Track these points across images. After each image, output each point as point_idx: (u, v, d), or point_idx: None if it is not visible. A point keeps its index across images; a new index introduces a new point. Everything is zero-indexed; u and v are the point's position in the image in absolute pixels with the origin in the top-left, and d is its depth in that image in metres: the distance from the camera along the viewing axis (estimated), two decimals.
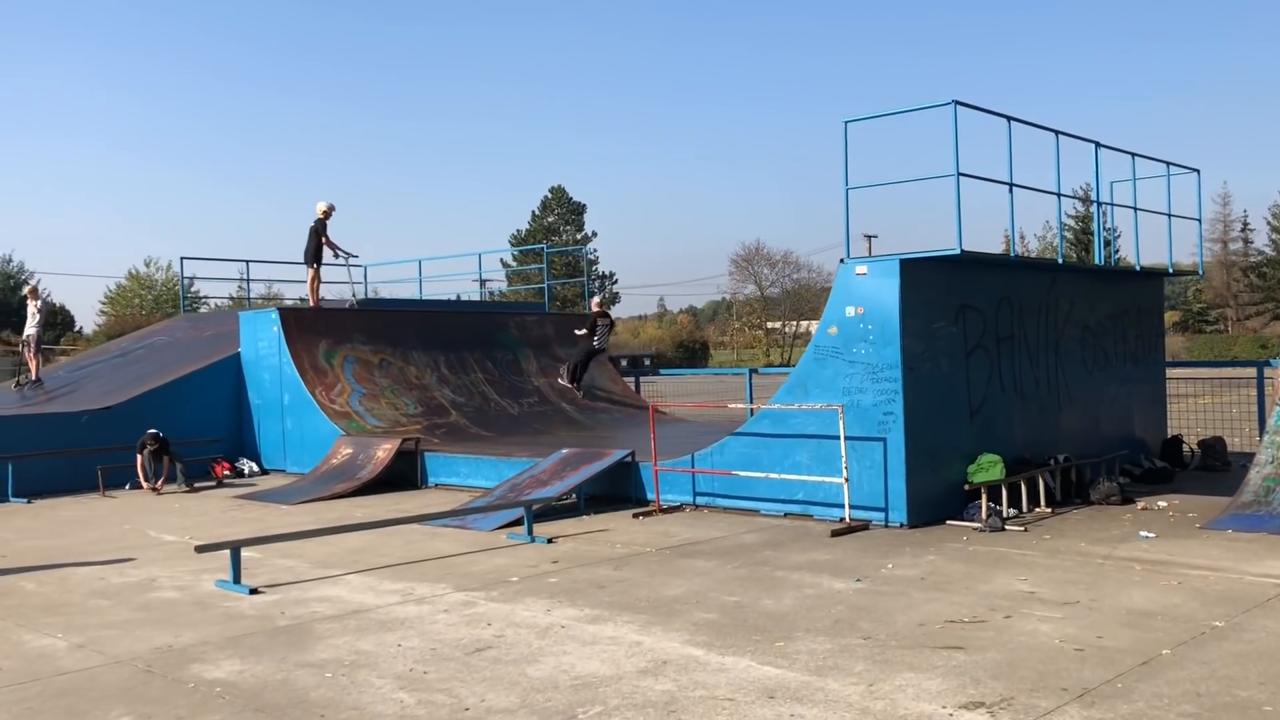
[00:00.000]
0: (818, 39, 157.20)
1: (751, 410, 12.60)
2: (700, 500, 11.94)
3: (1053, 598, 7.42)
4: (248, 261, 23.96)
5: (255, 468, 17.05)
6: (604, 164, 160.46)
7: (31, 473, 14.82)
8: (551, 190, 78.02)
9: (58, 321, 73.20)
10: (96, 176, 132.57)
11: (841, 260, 10.83)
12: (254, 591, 8.28)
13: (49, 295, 73.69)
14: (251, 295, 27.40)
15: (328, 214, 18.30)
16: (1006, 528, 10.22)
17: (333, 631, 7.00)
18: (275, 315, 17.18)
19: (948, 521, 10.60)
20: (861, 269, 10.66)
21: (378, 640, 6.74)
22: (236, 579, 8.44)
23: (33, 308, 18.80)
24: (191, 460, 15.88)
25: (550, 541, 10.11)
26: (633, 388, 22.58)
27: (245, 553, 9.62)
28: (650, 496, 12.08)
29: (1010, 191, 11.05)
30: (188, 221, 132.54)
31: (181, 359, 18.54)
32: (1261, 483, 10.40)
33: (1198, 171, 14.38)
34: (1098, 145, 12.57)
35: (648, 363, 63.53)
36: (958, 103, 10.16)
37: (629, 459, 12.47)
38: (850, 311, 10.71)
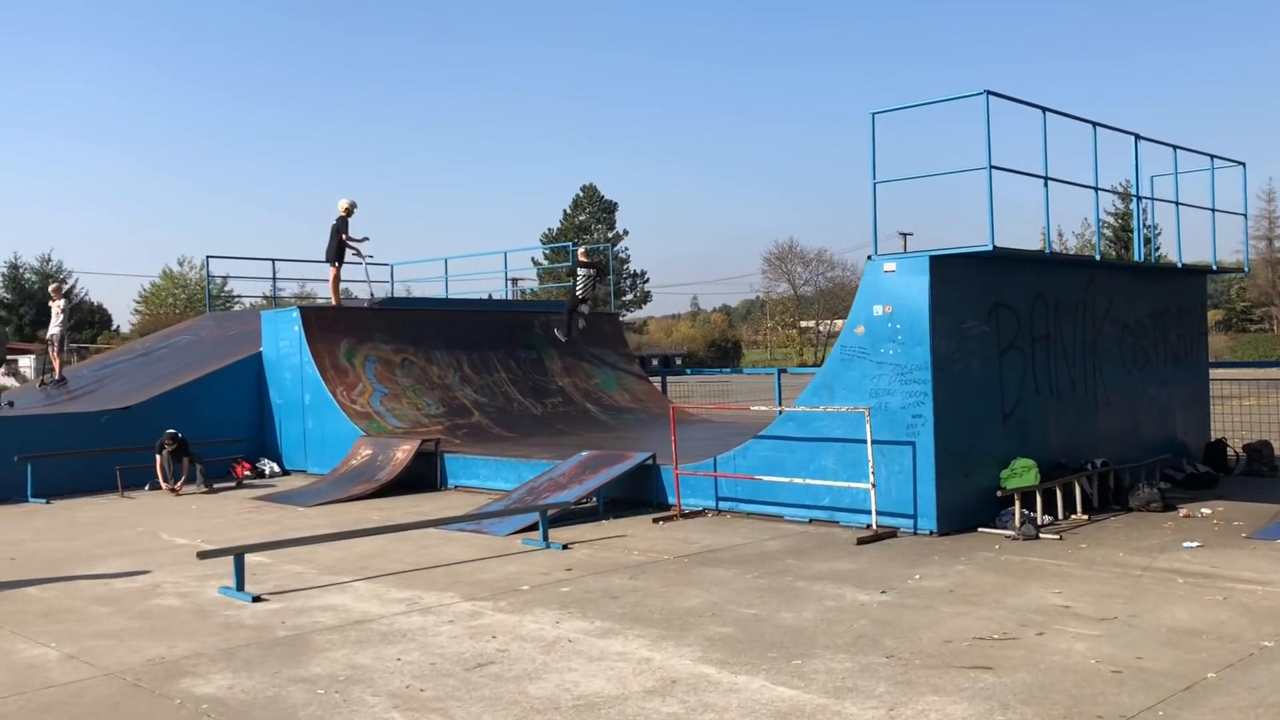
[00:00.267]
0: (851, 41, 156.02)
1: (779, 411, 12.24)
2: (723, 505, 11.59)
3: (1088, 613, 7.02)
4: (274, 260, 23.86)
5: (276, 468, 16.88)
6: (636, 162, 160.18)
7: (51, 473, 14.72)
8: (583, 189, 77.84)
9: (95, 320, 74.08)
10: (132, 176, 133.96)
11: (869, 257, 10.45)
12: (257, 599, 8.04)
13: (86, 294, 74.59)
14: (285, 294, 27.31)
15: (349, 212, 18.11)
16: (1041, 536, 9.80)
17: (332, 644, 6.73)
18: (296, 314, 17.01)
19: (979, 529, 10.19)
20: (890, 266, 10.27)
21: (376, 654, 6.46)
22: (240, 586, 8.19)
23: (57, 307, 18.77)
24: (212, 461, 15.73)
25: (565, 548, 9.81)
26: (660, 388, 22.27)
27: (254, 557, 9.44)
28: (672, 500, 11.75)
29: (1045, 185, 10.62)
30: (225, 221, 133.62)
31: (204, 358, 18.42)
32: None
33: (1243, 165, 13.86)
34: (1137, 138, 12.09)
35: (679, 362, 63.22)
36: (990, 93, 9.75)
37: (650, 462, 12.15)
38: (878, 310, 10.33)
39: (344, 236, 18.07)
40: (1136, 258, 13.36)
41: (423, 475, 14.59)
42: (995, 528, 10.17)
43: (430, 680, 5.89)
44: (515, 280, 34.59)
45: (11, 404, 17.86)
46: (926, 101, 10.40)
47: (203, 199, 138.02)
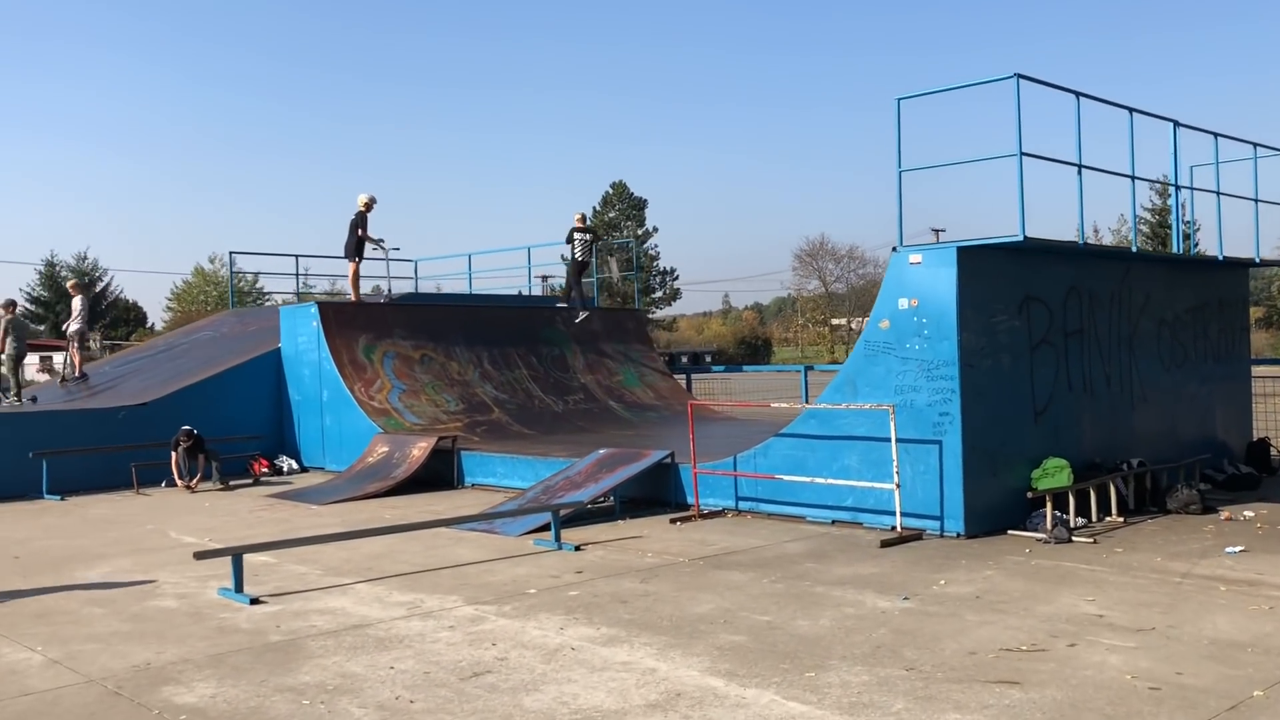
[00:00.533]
0: (879, 35, 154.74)
1: (804, 408, 11.85)
2: (743, 505, 11.23)
3: (1124, 623, 6.61)
4: (297, 256, 23.74)
5: (295, 465, 16.69)
6: (666, 159, 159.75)
7: (67, 469, 14.59)
8: (612, 186, 77.48)
9: (130, 318, 74.70)
10: (164, 177, 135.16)
11: (894, 248, 10.05)
12: (255, 601, 7.78)
13: (121, 292, 75.21)
14: (315, 290, 27.17)
15: (369, 206, 17.90)
16: (1074, 539, 9.38)
17: (325, 650, 6.45)
18: (314, 310, 16.81)
19: (1009, 532, 9.77)
20: (915, 258, 9.88)
21: (370, 661, 6.17)
22: (238, 587, 7.94)
23: (76, 303, 18.68)
24: (229, 458, 15.56)
25: (578, 549, 9.49)
26: (684, 385, 21.94)
27: (259, 557, 9.22)
28: (691, 500, 11.41)
29: (1079, 173, 10.17)
30: (261, 219, 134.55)
31: (224, 354, 18.27)
32: None
33: None
34: (1176, 124, 11.61)
35: (708, 359, 62.78)
36: (1020, 76, 9.33)
37: (668, 460, 11.81)
38: (903, 304, 9.93)
39: (360, 232, 17.87)
40: (1175, 250, 12.85)
41: (440, 473, 14.34)
42: (1026, 530, 9.75)
43: (421, 691, 5.59)
44: (545, 277, 34.31)
45: (35, 399, 17.79)
46: (954, 86, 10.00)
47: (235, 198, 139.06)
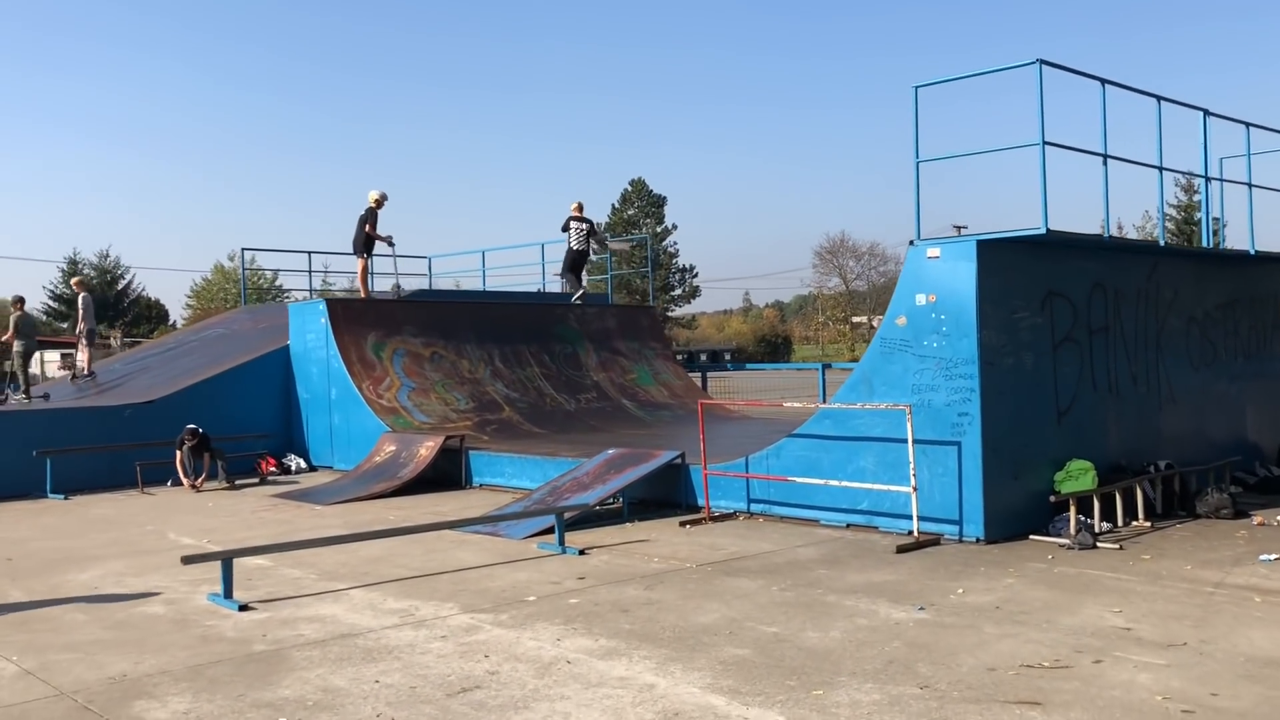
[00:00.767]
0: (902, 34, 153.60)
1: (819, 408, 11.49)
2: (755, 507, 10.89)
3: (1153, 637, 6.24)
4: (310, 253, 23.52)
5: (303, 464, 16.46)
6: (686, 156, 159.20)
7: (72, 468, 14.40)
8: (631, 183, 77.08)
9: (152, 315, 74.95)
10: (187, 175, 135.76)
11: (911, 242, 9.68)
12: (244, 608, 7.50)
13: (143, 289, 75.45)
14: (335, 288, 26.98)
15: (379, 203, 17.65)
16: (1098, 545, 8.99)
17: (310, 661, 6.16)
18: (323, 307, 16.57)
19: (1030, 537, 9.40)
20: (934, 251, 9.50)
21: (355, 674, 5.87)
22: (228, 593, 7.67)
23: (80, 301, 18.49)
24: (236, 456, 15.35)
25: (582, 553, 9.18)
26: (700, 383, 21.60)
27: (255, 561, 8.96)
28: (701, 502, 11.07)
29: (1104, 164, 9.77)
30: (282, 217, 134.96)
31: (234, 352, 18.06)
32: None
33: None
34: (1206, 114, 11.19)
35: (728, 358, 62.41)
36: (1043, 62, 8.95)
37: (678, 461, 11.47)
38: (921, 299, 9.57)
39: (369, 228, 17.62)
40: (1204, 244, 12.41)
41: (448, 473, 14.07)
42: (1048, 535, 9.37)
43: (405, 709, 5.28)
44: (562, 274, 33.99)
45: (46, 396, 17.63)
46: (973, 73, 9.62)
47: (258, 196, 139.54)
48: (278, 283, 54.17)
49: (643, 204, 76.11)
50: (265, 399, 16.92)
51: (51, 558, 9.70)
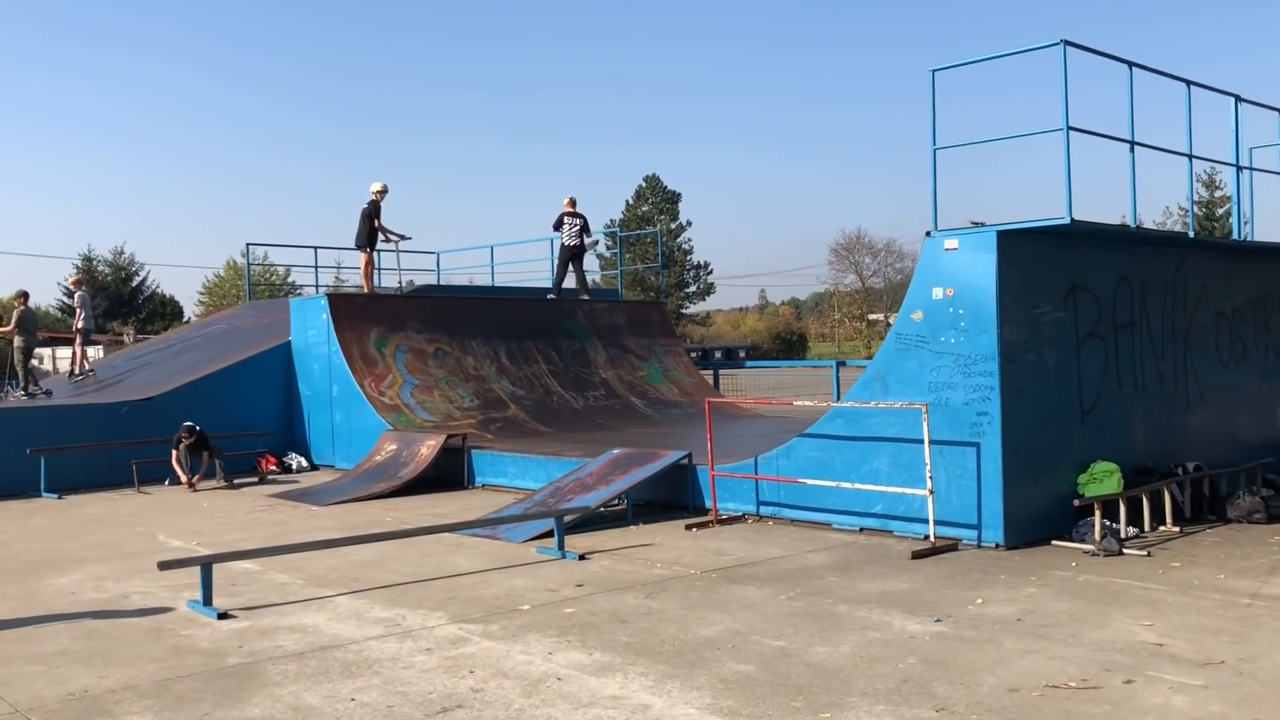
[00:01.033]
0: (919, 27, 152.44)
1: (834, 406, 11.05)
2: (764, 510, 10.47)
3: (1188, 653, 5.80)
4: (316, 248, 23.19)
5: (304, 463, 16.12)
6: (700, 152, 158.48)
7: (67, 466, 14.09)
8: (645, 179, 76.58)
9: (167, 312, 74.96)
10: (199, 173, 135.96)
11: (928, 233, 9.25)
12: (223, 616, 7.13)
13: (158, 286, 75.48)
14: (349, 285, 26.68)
15: (381, 194, 17.31)
16: (1125, 551, 8.54)
17: (284, 676, 5.78)
18: (324, 302, 16.22)
19: (1053, 542, 8.95)
20: (951, 243, 9.07)
21: (330, 691, 5.49)
22: (207, 600, 7.30)
23: (77, 299, 18.15)
24: (236, 455, 15.03)
25: (582, 558, 8.78)
26: (711, 381, 21.18)
27: (242, 565, 8.60)
28: (709, 504, 10.66)
29: (1131, 150, 9.30)
30: (295, 213, 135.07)
31: (235, 348, 17.73)
32: None
33: None
34: (1238, 100, 10.71)
35: (743, 355, 61.87)
36: (1067, 43, 8.50)
37: (685, 461, 11.06)
38: (938, 293, 9.13)
39: (376, 222, 17.29)
40: (1235, 236, 11.92)
41: (450, 472, 13.70)
42: (1071, 541, 8.93)
43: None
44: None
45: (50, 393, 17.34)
46: (994, 55, 9.17)
47: (273, 195, 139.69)
48: (290, 279, 54.06)
49: (656, 200, 75.66)
50: (266, 396, 16.58)
51: (33, 560, 9.36)
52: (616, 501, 10.72)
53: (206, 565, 7.38)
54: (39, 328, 19.04)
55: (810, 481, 9.84)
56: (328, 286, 25.76)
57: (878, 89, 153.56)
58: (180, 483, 14.20)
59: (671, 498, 11.24)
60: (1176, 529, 9.43)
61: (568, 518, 9.28)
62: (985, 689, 5.29)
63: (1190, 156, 10.09)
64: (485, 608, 7.21)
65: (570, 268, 19.26)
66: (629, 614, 6.93)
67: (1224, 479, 10.43)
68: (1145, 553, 8.50)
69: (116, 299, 74.71)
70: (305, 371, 16.62)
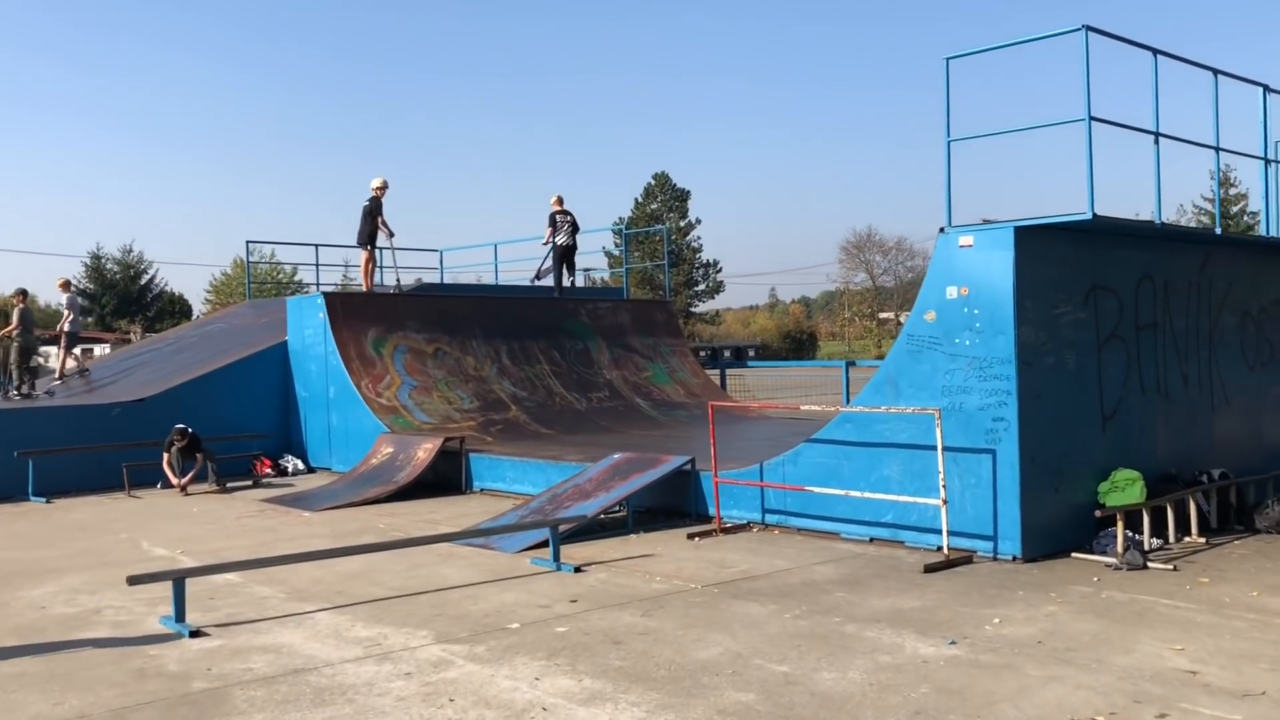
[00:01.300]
0: (930, 13, 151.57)
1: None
2: (770, 518, 10.06)
3: (1225, 683, 5.37)
4: (317, 246, 22.84)
5: (300, 466, 15.75)
6: (710, 149, 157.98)
7: (57, 470, 13.73)
8: (655, 177, 76.14)
9: (175, 310, 74.82)
10: (208, 170, 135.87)
11: (941, 229, 8.81)
12: (196, 633, 6.75)
13: (166, 284, 75.27)
14: (356, 283, 26.27)
15: (382, 190, 16.93)
16: (1149, 565, 8.10)
17: (251, 704, 5.39)
18: (321, 301, 15.84)
19: (1072, 555, 8.52)
20: (966, 240, 8.64)
21: None
22: (179, 617, 6.91)
23: (65, 302, 17.72)
24: (231, 457, 14.67)
25: (578, 570, 8.38)
26: (718, 381, 20.76)
27: (224, 576, 8.22)
28: (712, 512, 10.24)
29: (1156, 143, 8.87)
30: (303, 212, 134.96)
31: (233, 347, 17.37)
32: None
33: None
34: (1266, 89, 10.26)
35: (752, 354, 61.44)
36: (1089, 28, 8.06)
37: (688, 467, 10.65)
38: (952, 292, 8.70)
39: (378, 218, 16.91)
40: (1264, 232, 11.45)
41: (448, 476, 13.31)
42: (1092, 553, 8.49)
43: None
44: (586, 270, 33.33)
45: (51, 393, 16.98)
46: (1010, 42, 8.72)
47: (283, 192, 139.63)
48: (297, 277, 53.75)
49: (666, 198, 75.22)
50: (262, 397, 16.22)
51: (8, 570, 8.99)
52: (616, 508, 10.32)
53: (179, 580, 6.98)
54: (38, 326, 18.63)
55: (817, 489, 9.41)
56: (334, 285, 25.38)
57: (890, 85, 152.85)
58: (172, 486, 13.84)
59: (674, 505, 10.83)
60: (1202, 540, 8.99)
61: (563, 528, 8.88)
62: None
63: (1217, 149, 9.64)
64: (472, 626, 6.81)
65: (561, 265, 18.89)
66: (624, 634, 6.53)
67: (1251, 487, 9.99)
68: (1171, 567, 8.06)
69: (125, 297, 74.57)
70: (302, 372, 16.25)
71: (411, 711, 5.21)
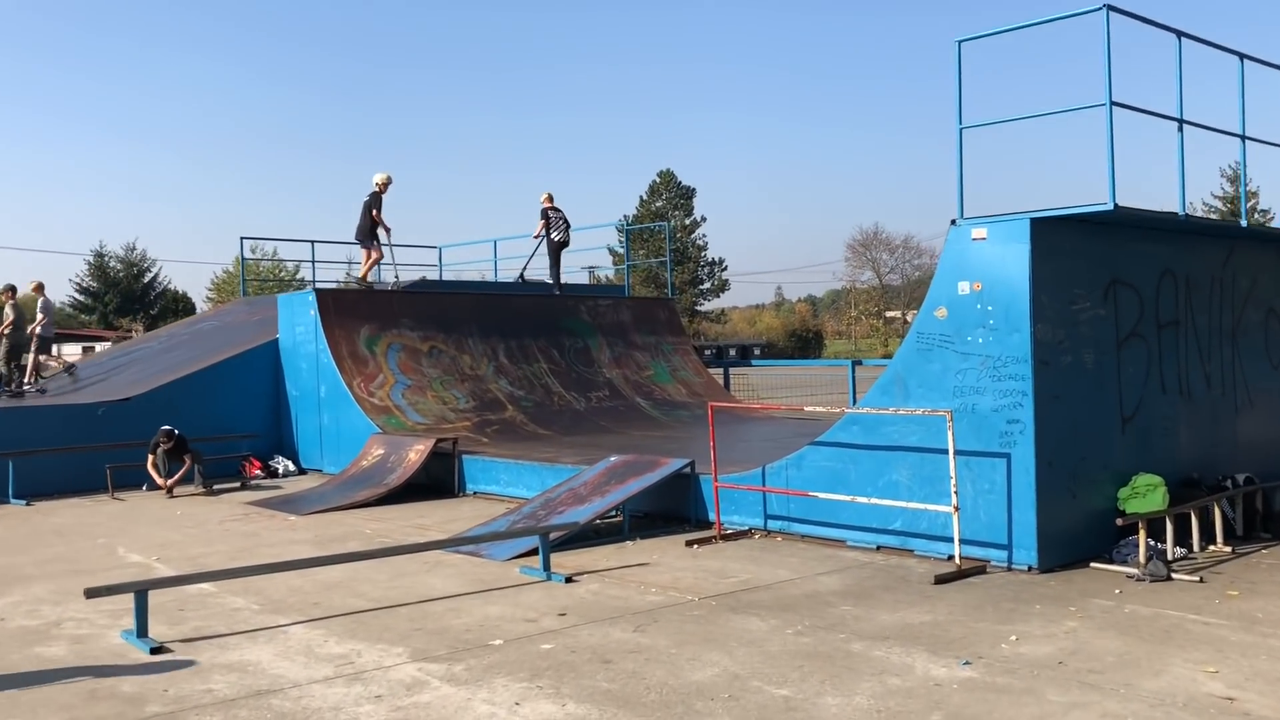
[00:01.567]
0: (941, 5, 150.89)
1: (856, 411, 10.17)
2: (772, 524, 9.61)
3: (1265, 711, 4.92)
4: (313, 242, 22.41)
5: (290, 467, 15.33)
6: (715, 147, 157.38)
7: (39, 471, 13.33)
8: (660, 174, 75.69)
9: (178, 308, 74.55)
10: (212, 169, 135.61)
11: (953, 221, 8.36)
12: (158, 649, 6.32)
13: (170, 282, 75.00)
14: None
15: (384, 186, 16.51)
16: (1174, 576, 7.65)
17: None
18: (312, 297, 15.42)
19: (1091, 564, 8.07)
20: (979, 232, 8.18)
21: None
22: (141, 631, 6.49)
23: (38, 305, 17.24)
24: (219, 458, 14.28)
25: (569, 580, 7.95)
26: (721, 380, 20.31)
27: (198, 584, 7.80)
28: (712, 517, 9.80)
29: (1180, 130, 8.40)
30: (305, 210, 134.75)
31: (224, 345, 16.95)
32: None
33: None
34: None
35: (758, 352, 60.97)
36: (1110, 8, 7.60)
37: (687, 470, 10.21)
38: (964, 288, 8.26)
39: (375, 214, 16.49)
40: None
41: (440, 478, 12.89)
42: (1112, 563, 8.05)
43: None
44: (591, 268, 32.94)
45: (44, 391, 16.57)
46: (1026, 24, 8.26)
47: (287, 191, 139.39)
48: (299, 275, 53.36)
49: (671, 196, 74.78)
50: (253, 397, 15.80)
51: None
52: (612, 514, 9.89)
53: (141, 593, 6.56)
54: (26, 323, 18.16)
55: (822, 495, 8.97)
56: (335, 282, 24.97)
57: (898, 84, 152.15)
58: (158, 487, 13.43)
59: (672, 509, 10.40)
60: (1228, 549, 8.53)
61: (554, 535, 8.44)
62: None
63: (1243, 138, 9.18)
64: (452, 642, 6.37)
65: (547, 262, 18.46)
66: (614, 652, 6.09)
67: (1277, 492, 9.52)
68: (1197, 578, 7.61)
69: (128, 295, 74.32)
70: (293, 371, 15.84)
71: None
